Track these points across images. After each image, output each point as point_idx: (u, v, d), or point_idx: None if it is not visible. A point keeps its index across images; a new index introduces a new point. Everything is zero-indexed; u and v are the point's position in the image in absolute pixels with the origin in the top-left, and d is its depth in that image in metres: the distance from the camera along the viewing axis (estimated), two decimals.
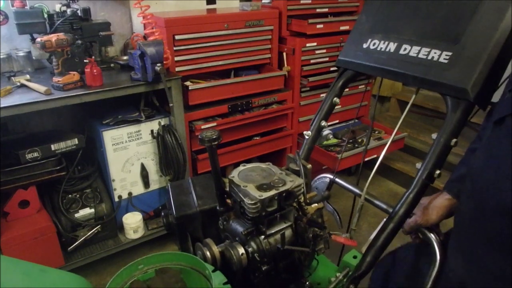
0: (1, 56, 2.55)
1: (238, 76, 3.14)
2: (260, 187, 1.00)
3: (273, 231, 1.03)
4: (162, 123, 2.69)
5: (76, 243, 2.54)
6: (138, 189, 2.77)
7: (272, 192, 0.98)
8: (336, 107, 3.47)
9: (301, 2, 3.14)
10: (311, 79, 3.26)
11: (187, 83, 2.83)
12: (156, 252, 0.98)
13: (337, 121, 3.66)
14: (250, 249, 1.00)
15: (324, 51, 3.27)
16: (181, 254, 0.95)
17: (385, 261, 1.51)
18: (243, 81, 3.00)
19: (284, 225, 1.05)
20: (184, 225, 1.22)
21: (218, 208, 1.13)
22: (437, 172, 1.01)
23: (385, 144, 3.38)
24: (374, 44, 1.22)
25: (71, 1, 2.57)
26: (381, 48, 1.20)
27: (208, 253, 0.98)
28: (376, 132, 3.64)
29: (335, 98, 1.35)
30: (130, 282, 0.90)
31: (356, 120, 3.87)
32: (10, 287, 0.94)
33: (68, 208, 2.55)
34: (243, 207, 0.99)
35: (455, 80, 0.99)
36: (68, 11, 2.49)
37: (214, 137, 0.97)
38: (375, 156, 3.16)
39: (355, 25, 1.34)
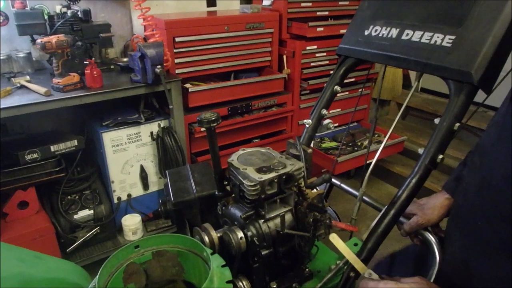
0: (1, 57, 2.55)
1: (238, 79, 3.14)
2: (260, 170, 0.98)
3: (272, 215, 1.02)
4: (162, 125, 2.69)
5: (75, 244, 2.53)
6: (137, 190, 2.76)
7: (272, 175, 0.97)
8: (336, 110, 3.52)
9: (302, 5, 3.14)
10: (311, 82, 3.26)
11: (187, 85, 2.84)
12: None
13: (336, 124, 3.66)
14: (249, 233, 0.98)
15: (324, 54, 3.28)
16: (178, 236, 0.93)
17: (382, 264, 1.51)
18: (243, 84, 3.00)
19: (284, 210, 1.04)
20: (182, 212, 1.20)
21: (216, 193, 1.11)
22: (440, 156, 0.99)
23: (385, 148, 3.40)
24: (376, 31, 1.21)
25: (71, 3, 2.57)
26: (383, 34, 1.18)
27: (206, 238, 0.97)
28: (376, 135, 3.64)
29: (336, 87, 1.33)
30: (126, 264, 0.89)
31: (356, 123, 3.88)
32: (5, 272, 0.94)
33: (67, 209, 2.55)
34: (243, 190, 0.97)
35: (458, 64, 0.97)
36: (69, 12, 2.49)
37: (213, 118, 0.95)
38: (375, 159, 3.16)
39: (356, 13, 1.33)
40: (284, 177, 0.98)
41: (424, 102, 4.16)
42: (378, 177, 3.99)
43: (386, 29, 1.18)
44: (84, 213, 2.60)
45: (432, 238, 1.18)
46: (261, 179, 0.94)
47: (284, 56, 3.23)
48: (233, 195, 1.07)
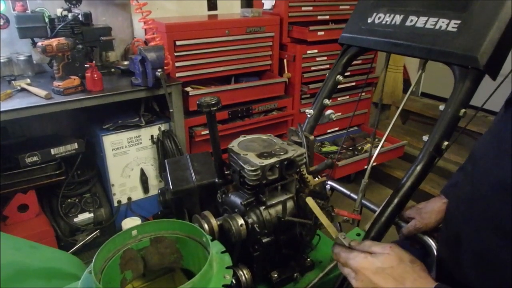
0: (2, 60, 2.56)
1: (238, 83, 3.15)
2: (261, 155, 0.97)
3: (274, 202, 1.00)
4: (162, 129, 2.69)
5: (75, 247, 2.52)
6: (138, 194, 2.75)
7: (273, 160, 0.95)
8: (337, 114, 3.51)
9: (302, 9, 3.15)
10: (311, 86, 3.27)
11: (188, 88, 2.84)
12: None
13: (337, 128, 3.65)
14: (249, 220, 0.96)
15: (325, 58, 3.29)
16: (177, 222, 0.91)
17: None
18: (243, 88, 3.00)
19: (286, 197, 1.02)
20: (181, 201, 1.19)
21: (216, 180, 1.09)
22: (445, 143, 0.97)
23: (385, 152, 3.40)
24: (379, 18, 1.19)
25: (72, 6, 2.58)
26: (386, 21, 1.16)
27: (206, 225, 0.95)
28: (376, 140, 3.63)
29: (338, 76, 1.31)
30: (123, 250, 0.87)
31: (357, 128, 3.87)
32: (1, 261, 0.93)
33: (67, 212, 2.54)
34: (243, 176, 0.96)
35: (463, 48, 0.96)
36: (69, 15, 2.50)
37: (213, 102, 0.94)
38: (375, 164, 3.15)
39: (358, 1, 1.32)
40: (285, 162, 0.96)
41: (425, 107, 4.16)
42: (378, 182, 3.96)
43: (389, 16, 1.16)
44: (84, 216, 2.59)
45: (431, 242, 1.17)
46: (262, 164, 0.93)
47: (285, 60, 3.23)
48: (233, 182, 1.05)
